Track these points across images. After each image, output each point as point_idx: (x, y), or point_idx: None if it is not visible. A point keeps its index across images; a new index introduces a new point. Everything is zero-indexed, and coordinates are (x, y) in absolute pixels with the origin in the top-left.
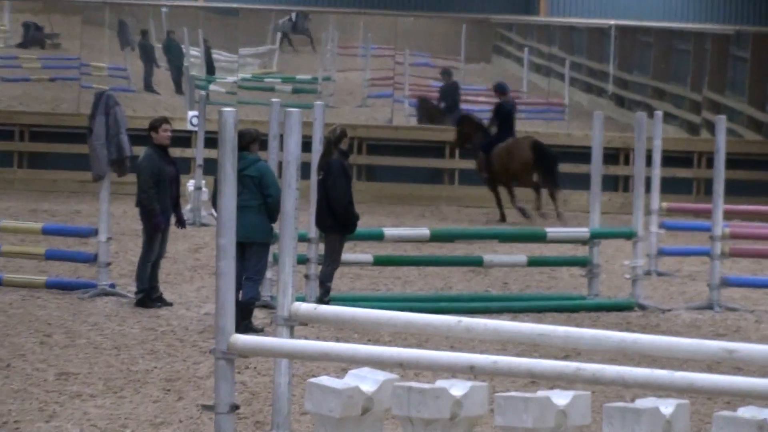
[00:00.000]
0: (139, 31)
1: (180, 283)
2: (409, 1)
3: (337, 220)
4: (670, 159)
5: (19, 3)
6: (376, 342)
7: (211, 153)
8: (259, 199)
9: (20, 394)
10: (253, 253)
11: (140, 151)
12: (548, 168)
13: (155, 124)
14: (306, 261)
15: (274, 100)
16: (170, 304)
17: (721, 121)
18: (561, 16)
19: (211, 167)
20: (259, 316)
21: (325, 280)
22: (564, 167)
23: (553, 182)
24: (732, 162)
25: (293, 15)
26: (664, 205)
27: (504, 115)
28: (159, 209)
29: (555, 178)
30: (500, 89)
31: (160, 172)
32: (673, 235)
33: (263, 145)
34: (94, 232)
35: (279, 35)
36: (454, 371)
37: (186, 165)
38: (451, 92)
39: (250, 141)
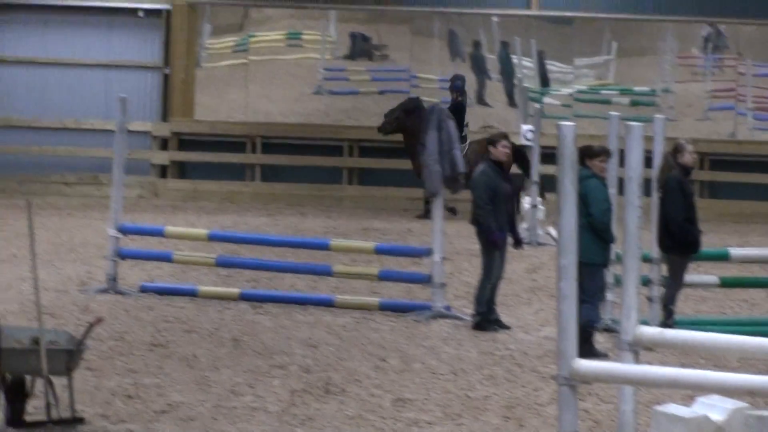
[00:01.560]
0: (470, 41)
1: (517, 306)
2: (750, 7)
3: (675, 240)
4: None
5: (345, 13)
6: (724, 368)
7: (547, 169)
8: (587, 217)
9: (356, 421)
10: (585, 273)
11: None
12: (526, 169)
13: (493, 140)
14: (648, 282)
15: (611, 113)
16: (508, 328)
17: None
18: None
19: (547, 184)
20: (600, 340)
21: (668, 303)
22: None
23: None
24: None
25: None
26: None
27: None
28: (496, 227)
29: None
30: (457, 88)
31: (496, 188)
32: None
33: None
34: (428, 252)
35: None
36: None
37: (519, 182)
38: None
39: (592, 155)
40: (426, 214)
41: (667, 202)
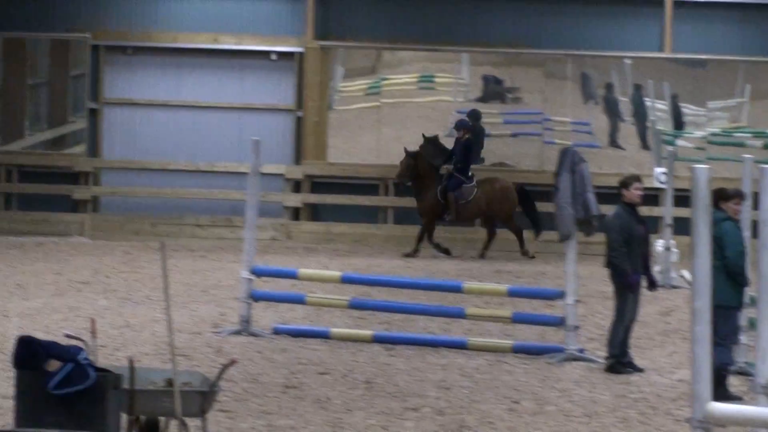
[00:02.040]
0: (603, 84)
1: (651, 348)
2: None
3: None
4: None
5: (478, 56)
6: None
7: (680, 211)
8: (720, 260)
9: None
10: (719, 316)
11: (607, 209)
12: (531, 210)
13: (627, 182)
14: None
15: (745, 156)
16: (641, 370)
17: None
18: None
19: (680, 226)
20: (734, 383)
21: None
22: None
23: (537, 225)
24: None
25: None
26: None
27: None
28: (631, 269)
29: (538, 221)
30: (463, 125)
31: (631, 231)
32: None
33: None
34: (561, 295)
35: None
36: None
37: (654, 223)
38: None
39: (726, 198)
40: (414, 253)
41: None
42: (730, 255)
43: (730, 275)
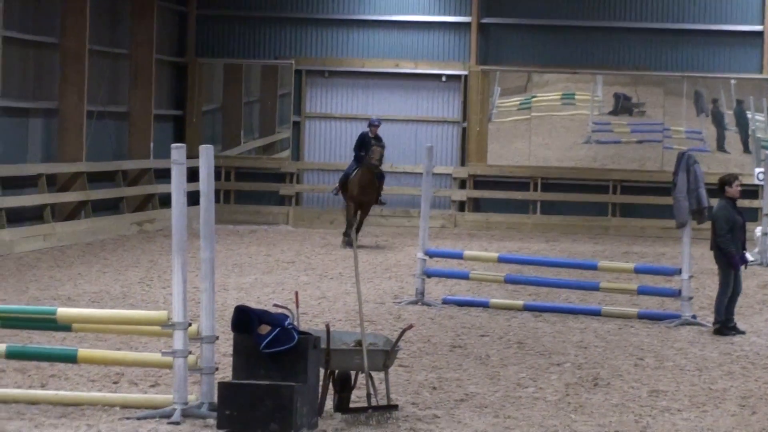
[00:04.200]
0: (711, 100)
1: (751, 315)
2: None
3: None
4: None
5: (610, 77)
6: None
7: None
8: None
9: (618, 408)
10: None
11: (714, 202)
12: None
13: (729, 180)
14: None
15: None
16: (743, 333)
17: None
18: None
19: None
20: None
21: None
22: None
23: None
24: None
25: None
26: None
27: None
28: (735, 251)
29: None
30: (369, 123)
31: (733, 220)
32: None
33: None
34: (678, 271)
35: None
36: None
37: (754, 214)
38: None
39: None
40: (348, 244)
41: None
42: None
43: None
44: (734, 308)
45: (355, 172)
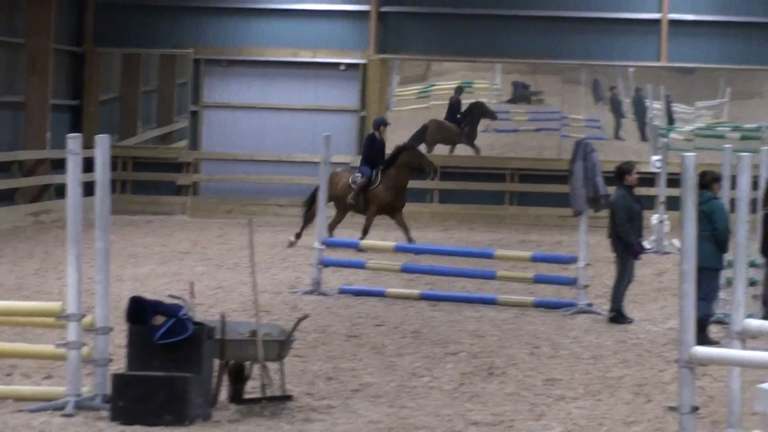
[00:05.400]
0: (610, 88)
1: (646, 303)
2: None
3: None
4: None
5: (509, 66)
6: None
7: (672, 191)
8: (710, 231)
9: (513, 397)
10: (704, 276)
11: (611, 190)
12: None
13: (628, 168)
14: (755, 284)
15: (725, 146)
16: (631, 321)
17: None
18: None
19: (672, 204)
20: (713, 331)
21: (767, 300)
22: None
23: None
24: None
25: None
26: None
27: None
28: (635, 240)
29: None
30: (376, 123)
31: (632, 209)
32: None
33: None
34: (574, 260)
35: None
36: None
37: (650, 202)
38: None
39: (713, 180)
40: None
41: None
42: (721, 227)
43: (716, 243)
44: (624, 296)
45: (379, 177)
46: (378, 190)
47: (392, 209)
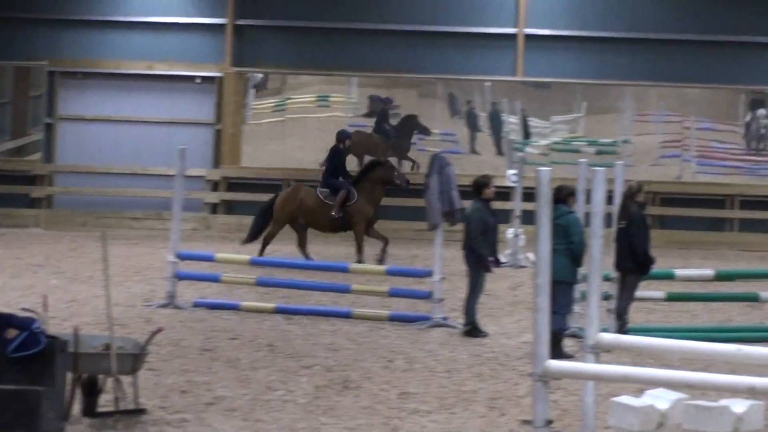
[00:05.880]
0: (466, 102)
1: (501, 316)
2: (694, 74)
3: (636, 263)
4: None
5: (365, 79)
6: (668, 366)
7: (527, 205)
8: (565, 245)
9: (368, 411)
10: (558, 290)
11: (467, 204)
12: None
13: (485, 182)
14: (608, 297)
15: (581, 160)
16: (486, 334)
17: None
18: None
19: (527, 218)
20: (568, 345)
21: (622, 314)
22: None
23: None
24: None
25: None
26: None
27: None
28: (488, 253)
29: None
30: (338, 136)
31: (486, 222)
32: None
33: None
34: (430, 273)
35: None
36: (735, 392)
37: (506, 216)
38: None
39: (568, 194)
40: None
41: (633, 233)
42: (577, 240)
43: (571, 257)
44: (476, 309)
45: (356, 193)
46: (360, 205)
47: (371, 223)
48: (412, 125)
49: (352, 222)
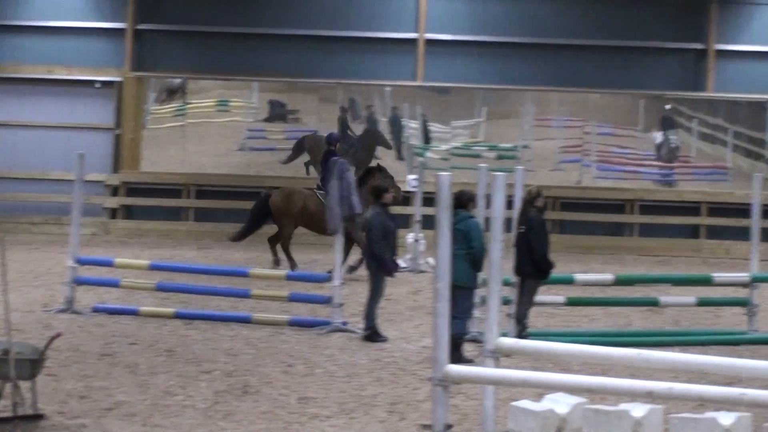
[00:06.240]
0: (366, 106)
1: (401, 321)
2: (594, 79)
3: (536, 267)
4: None
5: (265, 84)
6: (568, 371)
7: (427, 210)
8: (465, 249)
9: (267, 416)
10: (459, 295)
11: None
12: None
13: (384, 188)
14: (508, 302)
15: (481, 165)
16: (386, 339)
17: None
18: (725, 92)
19: (427, 222)
20: (468, 349)
21: (522, 318)
22: (728, 221)
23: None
24: None
25: None
26: None
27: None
28: (389, 257)
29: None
30: (329, 139)
31: (386, 226)
32: None
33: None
34: (329, 278)
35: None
36: (634, 396)
37: (405, 221)
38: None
39: (468, 199)
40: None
41: (532, 238)
42: (478, 245)
43: (472, 261)
44: (376, 314)
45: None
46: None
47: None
48: (374, 139)
49: (353, 230)
